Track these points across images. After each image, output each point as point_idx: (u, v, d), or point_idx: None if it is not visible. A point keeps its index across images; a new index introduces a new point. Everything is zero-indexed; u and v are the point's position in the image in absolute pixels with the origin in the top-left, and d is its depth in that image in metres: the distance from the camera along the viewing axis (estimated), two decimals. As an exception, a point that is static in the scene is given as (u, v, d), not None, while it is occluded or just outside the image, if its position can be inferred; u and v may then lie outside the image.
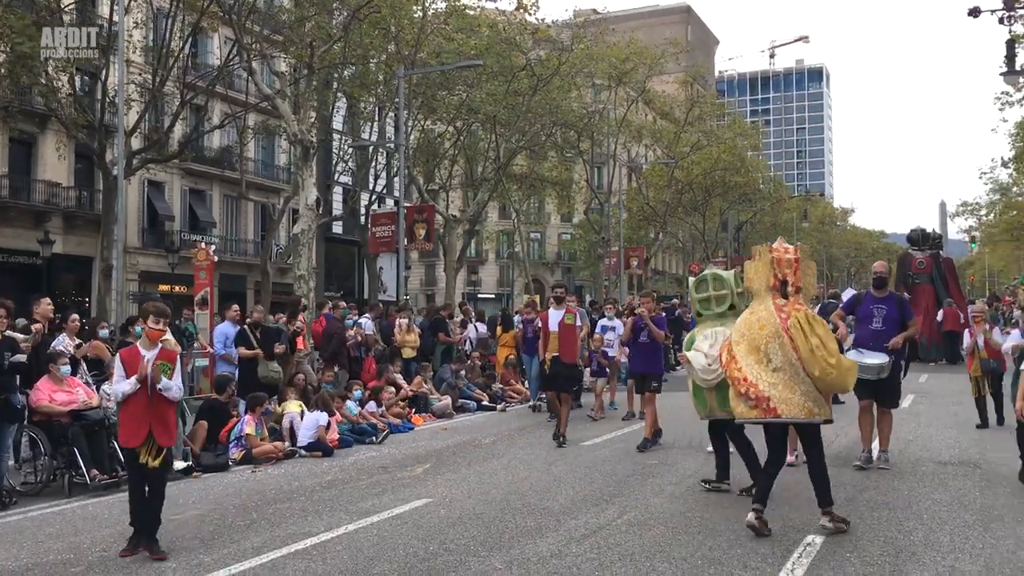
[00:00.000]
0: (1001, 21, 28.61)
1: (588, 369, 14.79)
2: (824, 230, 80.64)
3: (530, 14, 29.41)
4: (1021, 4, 28.08)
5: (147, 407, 6.66)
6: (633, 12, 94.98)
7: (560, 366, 11.86)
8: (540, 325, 12.61)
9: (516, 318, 18.09)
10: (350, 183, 38.96)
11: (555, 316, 11.99)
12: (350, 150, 36.90)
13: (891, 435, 9.81)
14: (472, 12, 31.67)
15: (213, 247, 23.18)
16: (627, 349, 13.34)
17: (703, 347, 8.36)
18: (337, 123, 37.41)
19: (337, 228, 43.51)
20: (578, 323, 12.41)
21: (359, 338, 15.30)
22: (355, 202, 37.75)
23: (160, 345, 6.81)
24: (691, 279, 9.21)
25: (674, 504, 8.05)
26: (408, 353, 15.88)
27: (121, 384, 6.70)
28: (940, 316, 25.15)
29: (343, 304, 16.45)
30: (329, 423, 11.64)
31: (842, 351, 8.11)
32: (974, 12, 27.66)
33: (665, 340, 12.99)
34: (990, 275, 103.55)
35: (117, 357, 6.89)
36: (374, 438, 12.33)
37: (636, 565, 6.12)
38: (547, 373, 12.17)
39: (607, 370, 15.06)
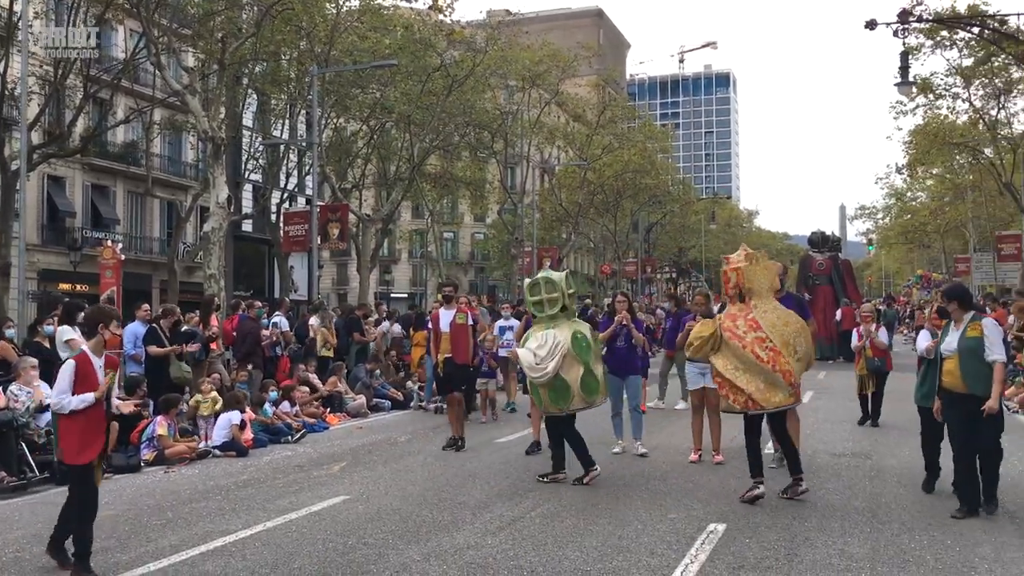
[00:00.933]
0: (895, 34, 29.96)
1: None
2: (730, 232, 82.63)
3: (445, 15, 29.50)
4: (915, 18, 29.51)
5: (102, 420, 6.28)
6: (545, 14, 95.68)
7: (453, 367, 11.43)
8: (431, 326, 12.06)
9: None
10: (260, 181, 38.42)
11: (446, 316, 11.50)
12: (261, 147, 36.37)
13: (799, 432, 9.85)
14: (386, 11, 31.64)
15: (120, 245, 22.64)
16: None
17: (531, 346, 8.78)
18: (247, 120, 36.86)
19: (247, 226, 42.83)
20: (471, 322, 11.85)
21: (274, 338, 15.23)
22: (266, 200, 37.25)
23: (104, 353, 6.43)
24: (526, 282, 9.47)
25: (586, 496, 8.34)
26: (326, 353, 15.86)
27: (72, 398, 6.06)
28: (838, 316, 26.21)
29: (258, 304, 16.30)
30: (244, 423, 11.60)
31: None
32: (871, 24, 28.91)
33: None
34: (886, 276, 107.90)
35: (70, 365, 6.17)
36: (289, 437, 12.33)
37: (548, 554, 6.38)
38: (440, 375, 11.68)
39: (498, 372, 14.67)
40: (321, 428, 13.59)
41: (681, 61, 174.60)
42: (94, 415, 6.17)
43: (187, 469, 10.31)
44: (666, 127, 80.00)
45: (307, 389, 14.47)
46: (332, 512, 7.81)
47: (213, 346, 14.21)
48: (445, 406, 14.13)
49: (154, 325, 12.82)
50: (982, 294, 31.38)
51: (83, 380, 6.12)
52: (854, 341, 13.34)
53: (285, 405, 13.42)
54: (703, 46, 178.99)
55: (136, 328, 13.05)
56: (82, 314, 10.55)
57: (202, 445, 11.26)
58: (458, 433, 11.30)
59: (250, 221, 42.00)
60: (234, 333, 15.14)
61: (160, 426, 10.81)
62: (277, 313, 16.56)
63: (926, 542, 6.66)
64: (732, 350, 7.97)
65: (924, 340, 8.63)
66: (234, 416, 11.60)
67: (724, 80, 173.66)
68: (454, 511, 7.77)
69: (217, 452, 11.17)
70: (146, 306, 13.52)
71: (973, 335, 7.33)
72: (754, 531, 6.98)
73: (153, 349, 12.51)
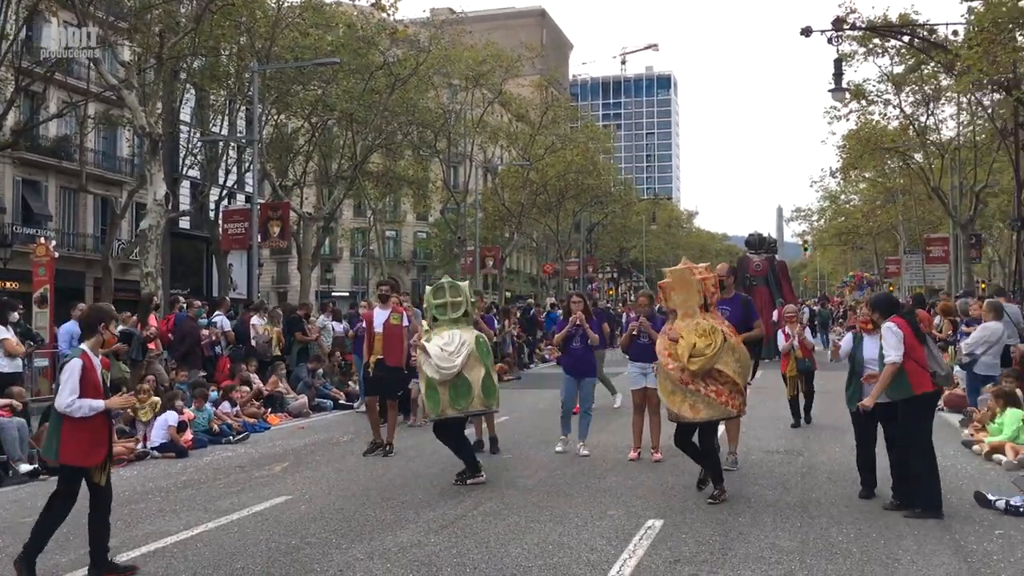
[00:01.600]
0: (830, 41, 30.75)
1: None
2: (671, 232, 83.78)
3: (388, 14, 29.44)
4: (848, 25, 30.30)
5: (106, 422, 6.21)
6: (489, 13, 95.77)
7: (385, 370, 11.02)
8: (364, 325, 11.70)
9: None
10: (198, 178, 37.84)
11: (380, 316, 11.15)
12: (199, 144, 35.83)
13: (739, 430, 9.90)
14: (328, 8, 31.44)
15: (53, 242, 22.15)
16: None
17: (438, 343, 8.86)
18: (185, 115, 36.27)
19: (184, 223, 42.15)
20: (406, 323, 11.43)
21: (213, 337, 15.09)
22: (204, 198, 36.71)
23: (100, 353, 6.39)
24: (428, 288, 9.54)
25: (527, 495, 8.47)
26: (278, 353, 15.78)
27: (83, 403, 5.95)
28: (775, 316, 26.81)
29: (197, 303, 16.13)
30: (184, 424, 11.50)
31: None
32: (806, 32, 29.65)
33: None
34: (821, 277, 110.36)
35: (76, 365, 6.05)
36: (230, 438, 12.25)
37: (491, 551, 6.50)
38: (371, 377, 11.26)
39: None
40: (262, 428, 13.54)
41: (623, 62, 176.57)
42: (96, 419, 6.09)
43: (125, 470, 10.20)
44: (608, 128, 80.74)
45: (247, 389, 14.38)
46: (274, 512, 7.83)
47: (151, 346, 14.06)
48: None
49: (91, 324, 12.61)
50: (911, 295, 32.34)
51: (86, 381, 6.02)
52: (780, 342, 13.40)
53: (225, 405, 13.33)
54: (645, 48, 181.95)
55: (72, 328, 12.85)
56: (80, 314, 10.53)
57: (140, 447, 11.14)
58: (378, 438, 10.98)
59: (187, 218, 41.38)
60: (170, 335, 14.95)
61: (97, 427, 10.65)
62: (217, 312, 16.41)
63: (853, 535, 6.93)
64: (667, 375, 8.10)
65: (846, 344, 8.70)
66: (171, 417, 11.49)
67: (665, 82, 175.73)
68: (397, 510, 7.84)
69: (156, 453, 11.06)
70: (82, 305, 13.31)
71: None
72: (690, 527, 7.19)
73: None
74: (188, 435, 11.61)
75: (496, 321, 20.47)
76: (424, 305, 9.45)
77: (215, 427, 12.51)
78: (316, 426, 14.03)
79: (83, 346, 6.31)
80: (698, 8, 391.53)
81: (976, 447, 10.61)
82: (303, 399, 15.39)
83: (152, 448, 11.12)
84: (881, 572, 6.01)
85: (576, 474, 9.46)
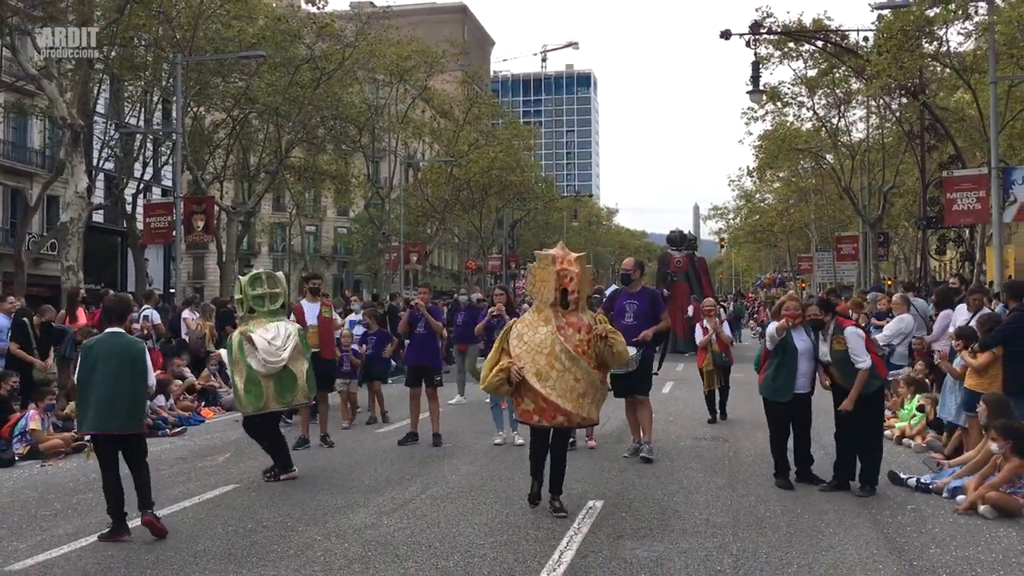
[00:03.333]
0: (748, 44, 31.84)
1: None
2: (591, 229, 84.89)
3: (318, 8, 29.33)
4: (765, 29, 31.36)
5: None
6: (411, 8, 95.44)
7: (319, 363, 10.53)
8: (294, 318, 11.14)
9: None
10: (113, 170, 36.91)
11: (312, 309, 11.00)
12: (115, 135, 34.98)
13: (652, 422, 9.96)
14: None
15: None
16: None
17: (264, 335, 8.61)
18: (100, 106, 35.38)
19: (97, 217, 41.07)
20: (335, 316, 11.61)
21: (145, 331, 14.96)
22: (120, 191, 35.87)
23: None
24: (242, 277, 9.22)
25: (471, 479, 8.78)
26: (209, 346, 15.73)
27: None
28: (691, 311, 27.66)
29: (128, 296, 15.93)
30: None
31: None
32: (725, 35, 30.65)
33: (443, 332, 11.92)
34: (736, 273, 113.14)
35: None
36: (166, 431, 12.25)
37: (443, 531, 6.79)
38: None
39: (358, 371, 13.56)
40: (196, 421, 13.53)
41: (543, 60, 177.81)
42: None
43: (64, 463, 10.17)
44: (531, 125, 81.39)
45: (180, 383, 14.33)
46: (226, 499, 7.98)
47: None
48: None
49: (24, 320, 12.49)
50: (825, 291, 33.60)
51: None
52: (698, 336, 13.41)
53: (160, 399, 13.27)
54: (565, 46, 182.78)
55: (1, 321, 12.66)
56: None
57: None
58: (306, 433, 10.86)
59: (102, 212, 40.35)
60: (94, 330, 14.77)
61: (33, 420, 10.60)
62: (146, 306, 16.24)
63: (779, 511, 7.44)
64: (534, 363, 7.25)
65: (770, 330, 9.04)
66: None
67: (585, 80, 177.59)
68: (347, 495, 8.06)
69: (91, 446, 10.98)
70: (12, 298, 13.11)
71: (839, 348, 8.14)
72: (629, 506, 7.60)
73: (19, 352, 12.21)
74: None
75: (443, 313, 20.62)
76: (238, 295, 9.12)
77: (149, 421, 12.46)
78: (251, 419, 14.04)
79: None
80: (618, 7, 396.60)
81: (888, 432, 11.31)
82: (235, 393, 15.35)
83: (87, 441, 11.02)
84: (807, 542, 6.50)
85: (516, 460, 9.77)
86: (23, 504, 7.89)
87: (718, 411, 13.23)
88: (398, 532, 6.77)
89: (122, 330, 7.02)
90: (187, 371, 14.92)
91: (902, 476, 8.49)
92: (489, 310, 10.78)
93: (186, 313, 16.22)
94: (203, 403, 14.53)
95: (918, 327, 13.19)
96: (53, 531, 6.88)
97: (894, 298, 13.82)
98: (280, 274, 9.31)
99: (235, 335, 8.88)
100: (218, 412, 14.58)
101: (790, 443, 8.60)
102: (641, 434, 9.81)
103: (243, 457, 10.27)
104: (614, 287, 21.26)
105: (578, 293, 7.48)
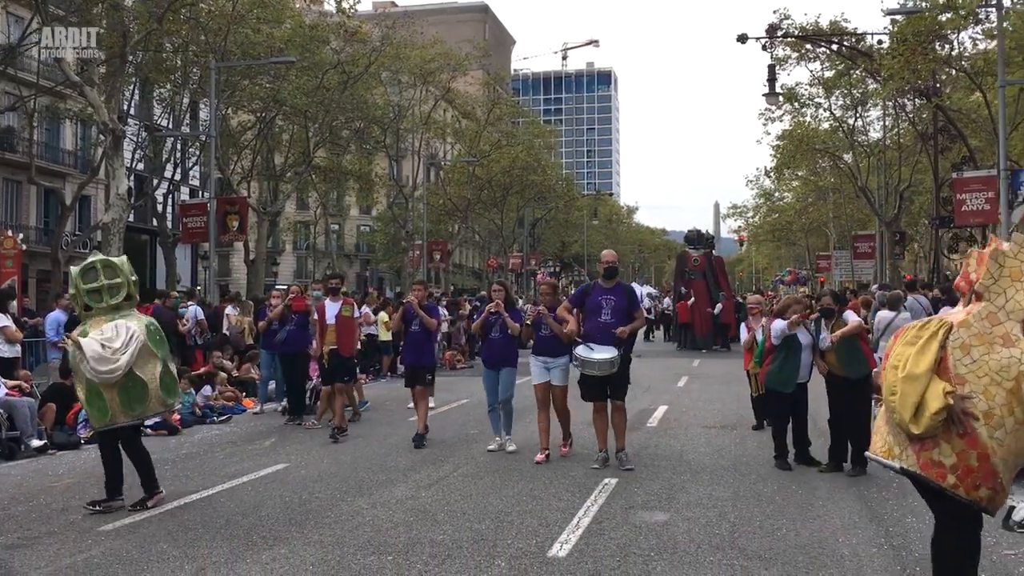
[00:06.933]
0: (764, 48, 32.51)
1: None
2: (611, 228, 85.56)
3: (348, 16, 30.27)
4: (782, 32, 31.99)
5: None
6: (431, 8, 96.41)
7: (339, 359, 11.61)
8: (316, 317, 12.20)
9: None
10: (143, 170, 38.01)
11: (332, 308, 11.66)
12: (146, 137, 36.08)
13: (627, 429, 9.55)
14: (279, 1, 32.00)
15: (21, 235, 22.63)
16: None
17: (97, 337, 7.33)
18: (130, 108, 36.50)
19: (128, 216, 42.22)
20: (357, 315, 11.96)
21: (198, 329, 15.89)
22: (152, 191, 37.01)
23: None
24: (73, 269, 7.80)
25: (498, 461, 9.63)
26: (248, 340, 16.67)
27: None
28: (718, 309, 28.54)
29: (175, 294, 16.94)
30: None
31: (571, 348, 9.28)
32: (742, 38, 31.34)
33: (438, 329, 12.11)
34: (756, 272, 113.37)
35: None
36: (213, 419, 13.19)
37: (475, 502, 7.67)
38: (326, 367, 11.84)
39: None
40: (240, 411, 14.46)
41: (564, 58, 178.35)
42: None
43: (125, 446, 11.09)
44: (550, 124, 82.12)
45: (224, 375, 15.27)
46: (279, 476, 8.89)
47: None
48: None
49: (76, 315, 13.43)
50: (838, 289, 34.15)
51: None
52: (743, 335, 12.38)
53: (207, 389, 14.23)
54: (586, 44, 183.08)
55: (59, 316, 13.66)
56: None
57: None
58: (339, 421, 11.34)
59: (131, 211, 41.48)
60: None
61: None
62: (190, 303, 17.23)
63: (776, 487, 8.26)
64: None
65: (777, 329, 9.83)
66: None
67: (606, 78, 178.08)
68: (387, 473, 8.96)
69: (149, 431, 11.92)
70: (68, 295, 14.06)
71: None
72: (640, 483, 8.43)
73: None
74: (176, 415, 12.50)
75: (442, 311, 21.39)
76: (71, 291, 7.82)
77: (197, 410, 13.42)
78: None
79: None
80: (639, 5, 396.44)
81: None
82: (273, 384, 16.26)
83: (146, 426, 11.98)
84: (797, 512, 7.33)
85: (536, 445, 10.54)
86: (98, 480, 8.79)
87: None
88: (435, 502, 7.65)
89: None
90: (228, 363, 15.86)
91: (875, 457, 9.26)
92: (487, 307, 10.40)
93: (228, 309, 17.17)
94: (245, 394, 15.45)
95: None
96: (129, 500, 7.78)
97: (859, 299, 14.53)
98: (121, 260, 7.84)
99: (69, 339, 7.61)
100: (258, 402, 15.49)
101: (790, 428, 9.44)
102: (615, 441, 9.25)
103: (287, 442, 11.18)
104: (635, 285, 21.68)
105: None
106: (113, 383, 7.21)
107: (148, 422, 11.91)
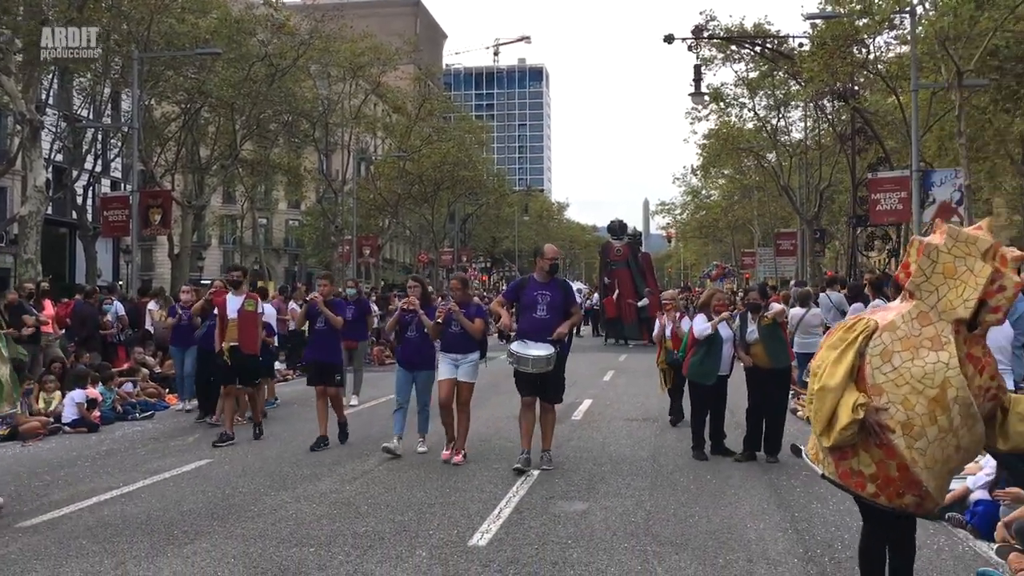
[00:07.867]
0: (690, 49, 33.13)
1: None
2: (542, 224, 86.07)
3: (275, 8, 29.93)
4: (707, 33, 32.63)
5: None
6: (362, 1, 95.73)
7: (241, 357, 10.74)
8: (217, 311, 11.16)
9: None
10: (62, 162, 36.96)
11: (234, 302, 10.80)
12: (65, 127, 35.10)
13: (554, 428, 9.29)
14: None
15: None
16: None
17: None
18: (48, 98, 35.43)
19: (46, 209, 41.04)
20: (261, 310, 11.23)
21: (119, 326, 15.62)
22: (71, 183, 36.03)
23: None
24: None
25: (420, 456, 9.71)
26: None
27: None
28: (644, 303, 28.97)
29: (98, 291, 16.61)
30: (95, 401, 12.21)
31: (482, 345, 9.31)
32: (668, 39, 31.88)
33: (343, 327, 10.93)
34: (684, 267, 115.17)
35: None
36: (135, 415, 13.02)
37: (399, 494, 7.77)
38: (227, 366, 10.78)
39: None
40: (162, 407, 14.28)
41: (496, 54, 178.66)
42: None
43: (43, 443, 10.92)
44: (482, 119, 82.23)
45: (146, 371, 15.07)
46: (201, 472, 8.86)
47: (47, 329, 14.55)
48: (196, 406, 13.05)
49: (-4, 308, 13.10)
50: (767, 284, 35.02)
51: None
52: (656, 329, 12.42)
53: (128, 386, 14.03)
54: (518, 40, 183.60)
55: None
56: None
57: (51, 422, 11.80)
58: (230, 430, 10.65)
59: (50, 204, 40.33)
60: (68, 320, 15.46)
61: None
62: (111, 299, 16.91)
63: (692, 476, 8.55)
64: None
65: (700, 323, 10.10)
66: (77, 395, 12.17)
67: (537, 75, 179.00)
68: (311, 467, 9.00)
69: (68, 428, 11.75)
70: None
71: (766, 323, 9.36)
72: (561, 475, 8.63)
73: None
74: (96, 412, 12.31)
75: (373, 307, 21.19)
76: None
77: (118, 407, 13.22)
78: (213, 405, 14.83)
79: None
80: (570, 3, 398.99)
81: (800, 413, 12.50)
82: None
83: (65, 424, 11.80)
84: (710, 500, 7.61)
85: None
86: (14, 476, 8.69)
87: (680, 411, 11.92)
88: (359, 495, 7.73)
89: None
90: (150, 359, 15.64)
91: (801, 447, 9.65)
92: (400, 303, 9.85)
93: (151, 305, 16.88)
94: (168, 390, 15.25)
95: (833, 318, 14.42)
96: (49, 497, 7.71)
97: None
98: None
99: None
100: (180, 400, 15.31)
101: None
102: (541, 442, 9.05)
103: (211, 437, 11.07)
104: (576, 283, 21.87)
105: (1003, 313, 4.33)
106: None
107: (67, 420, 11.84)
